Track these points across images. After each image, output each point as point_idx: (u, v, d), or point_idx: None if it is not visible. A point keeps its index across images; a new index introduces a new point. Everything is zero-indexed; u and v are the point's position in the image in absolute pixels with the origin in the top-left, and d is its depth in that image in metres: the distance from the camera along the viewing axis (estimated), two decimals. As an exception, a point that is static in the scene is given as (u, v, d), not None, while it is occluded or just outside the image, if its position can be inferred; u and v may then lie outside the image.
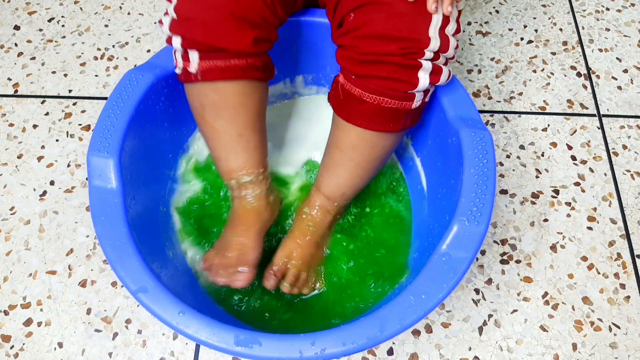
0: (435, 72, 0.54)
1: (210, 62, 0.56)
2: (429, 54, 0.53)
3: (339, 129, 0.60)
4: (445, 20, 0.53)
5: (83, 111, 0.84)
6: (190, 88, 0.60)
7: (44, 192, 0.76)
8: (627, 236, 0.73)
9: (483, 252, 0.71)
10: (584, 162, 0.79)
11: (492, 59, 0.90)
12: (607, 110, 0.84)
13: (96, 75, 0.88)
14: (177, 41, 0.55)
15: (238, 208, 0.64)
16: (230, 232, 0.63)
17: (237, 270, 0.60)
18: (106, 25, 0.94)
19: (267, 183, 0.64)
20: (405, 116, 0.57)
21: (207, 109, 0.59)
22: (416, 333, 0.66)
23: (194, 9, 0.53)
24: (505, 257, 0.71)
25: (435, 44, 0.52)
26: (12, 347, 0.65)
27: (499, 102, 0.85)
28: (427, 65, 0.53)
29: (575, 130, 0.82)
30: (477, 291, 0.69)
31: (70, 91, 0.86)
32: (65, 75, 0.88)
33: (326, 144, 0.64)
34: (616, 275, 0.70)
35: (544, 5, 0.97)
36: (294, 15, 0.67)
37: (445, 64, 0.56)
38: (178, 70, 0.59)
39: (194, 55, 0.56)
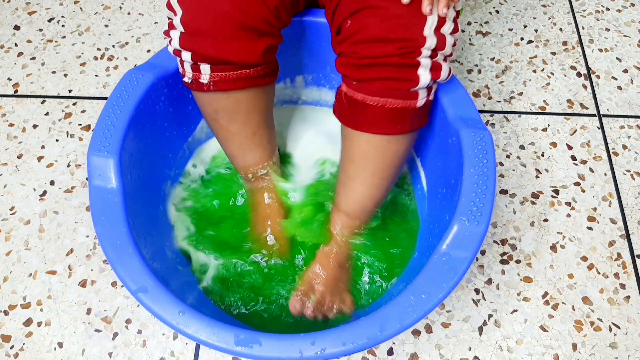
0: (435, 68, 0.54)
1: (222, 73, 0.57)
2: (426, 51, 0.53)
3: (348, 140, 0.60)
4: (441, 20, 0.53)
5: (83, 111, 0.84)
6: (201, 95, 0.60)
7: (44, 192, 0.76)
8: (627, 236, 0.73)
9: (483, 252, 0.71)
10: (584, 162, 0.79)
11: (492, 59, 0.90)
12: (607, 110, 0.84)
13: (96, 75, 0.88)
14: (187, 55, 0.56)
15: (259, 203, 0.69)
16: (258, 228, 0.68)
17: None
18: (106, 25, 0.94)
19: (279, 172, 0.70)
20: (412, 116, 0.57)
21: (220, 113, 0.61)
22: (416, 333, 0.66)
23: (202, 22, 0.53)
24: (505, 257, 0.71)
25: (431, 42, 0.52)
26: (12, 347, 0.65)
27: (499, 102, 0.85)
28: (425, 62, 0.53)
29: (575, 130, 0.82)
30: (477, 291, 0.69)
31: (70, 91, 0.86)
32: (65, 75, 0.88)
33: (339, 163, 0.64)
34: (616, 275, 0.70)
35: (544, 5, 0.97)
36: (295, 15, 0.67)
37: (444, 60, 0.56)
38: (187, 80, 0.59)
39: (205, 68, 0.56)
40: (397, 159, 0.60)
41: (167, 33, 0.57)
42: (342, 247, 0.65)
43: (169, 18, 0.57)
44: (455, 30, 0.55)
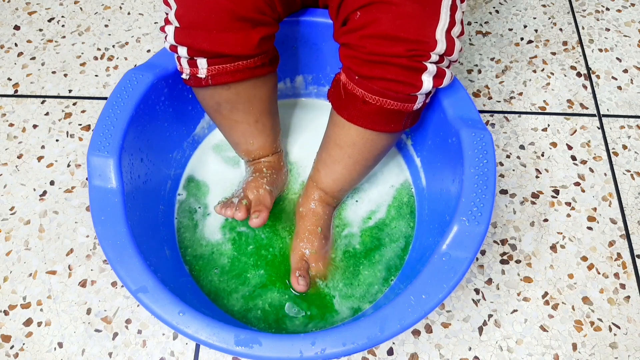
0: (439, 75, 0.54)
1: (219, 66, 0.56)
2: (434, 56, 0.52)
3: (339, 127, 0.60)
4: (452, 22, 0.53)
5: (83, 111, 0.84)
6: (201, 91, 0.61)
7: (44, 192, 0.76)
8: (627, 236, 0.73)
9: (483, 252, 0.71)
10: (584, 162, 0.79)
11: (492, 59, 0.90)
12: (607, 110, 0.84)
13: (96, 75, 0.88)
14: (183, 50, 0.56)
15: (255, 172, 0.69)
16: (247, 186, 0.67)
17: (255, 210, 0.63)
18: (106, 25, 0.94)
19: (281, 155, 0.72)
20: (407, 117, 0.57)
21: (222, 105, 0.61)
22: (416, 333, 0.66)
23: (195, 14, 0.53)
24: (505, 257, 0.71)
25: (441, 46, 0.52)
26: (12, 347, 0.65)
27: (499, 102, 0.85)
28: (431, 68, 0.53)
29: (575, 130, 0.82)
30: (477, 291, 0.69)
31: (70, 91, 0.86)
32: (65, 75, 0.88)
33: (323, 139, 0.65)
34: (616, 275, 0.70)
35: (544, 5, 0.97)
36: (294, 15, 0.67)
37: (449, 67, 0.56)
38: (185, 76, 0.59)
39: (202, 62, 0.56)
40: (383, 152, 0.63)
41: (162, 29, 0.57)
42: (320, 218, 0.67)
43: (165, 13, 0.57)
44: (462, 33, 0.55)
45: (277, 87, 0.66)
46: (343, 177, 0.64)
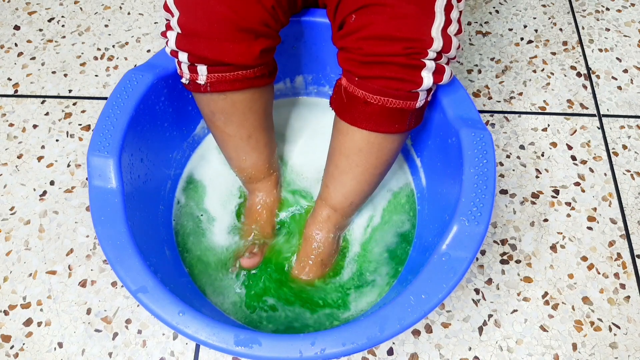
0: (438, 72, 0.54)
1: (219, 74, 0.56)
2: (432, 53, 0.52)
3: (343, 134, 0.59)
4: (448, 21, 0.53)
5: (83, 111, 0.84)
6: (199, 96, 0.61)
7: (44, 192, 0.76)
8: (627, 236, 0.73)
9: (483, 252, 0.71)
10: (584, 162, 0.79)
11: (492, 59, 0.90)
12: (607, 110, 0.84)
13: (96, 75, 0.88)
14: (184, 56, 0.56)
15: (253, 202, 0.70)
16: (248, 225, 0.70)
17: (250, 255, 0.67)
18: (106, 25, 0.94)
19: (277, 175, 0.71)
20: (410, 116, 0.57)
21: (217, 115, 0.61)
22: (416, 333, 0.66)
23: (199, 23, 0.53)
24: (505, 257, 0.71)
25: (438, 44, 0.52)
26: (12, 347, 0.65)
27: (499, 102, 0.85)
28: (430, 64, 0.53)
29: (575, 130, 0.82)
30: (477, 291, 0.69)
31: (70, 91, 0.86)
32: (65, 75, 0.88)
33: (328, 151, 0.64)
34: (616, 275, 0.70)
35: (544, 5, 0.97)
36: (294, 15, 0.67)
37: (447, 63, 0.56)
38: (185, 81, 0.59)
39: (202, 69, 0.56)
40: (390, 156, 0.61)
41: (164, 34, 0.57)
42: (325, 246, 0.66)
43: (166, 19, 0.57)
44: (459, 32, 0.55)
45: (273, 101, 0.66)
46: (353, 188, 0.62)
